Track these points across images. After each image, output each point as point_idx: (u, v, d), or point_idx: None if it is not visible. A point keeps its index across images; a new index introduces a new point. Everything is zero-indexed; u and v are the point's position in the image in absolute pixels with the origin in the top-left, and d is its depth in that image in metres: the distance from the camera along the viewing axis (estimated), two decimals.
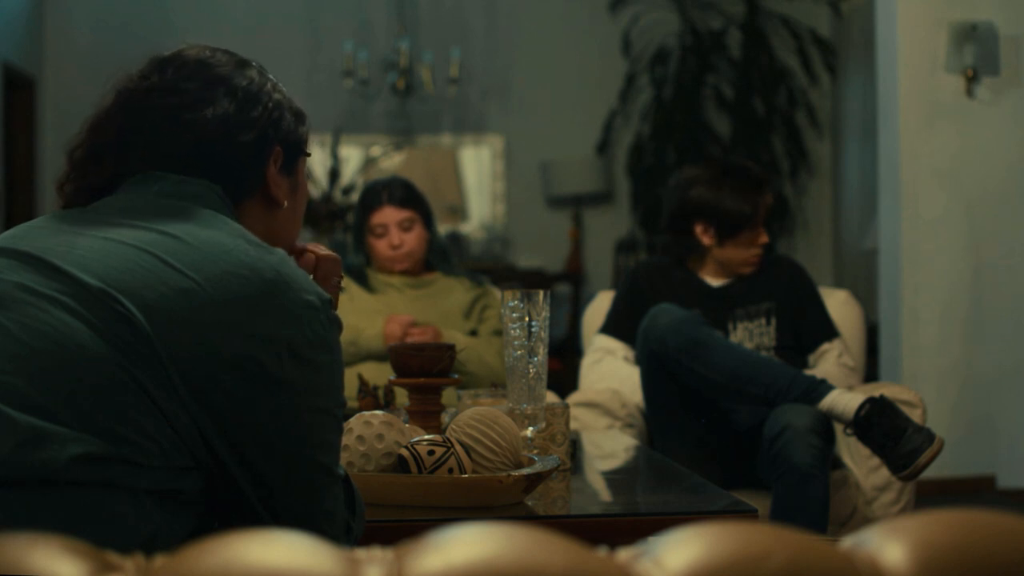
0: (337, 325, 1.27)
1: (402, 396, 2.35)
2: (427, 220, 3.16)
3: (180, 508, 1.19)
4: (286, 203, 1.43)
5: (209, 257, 1.20)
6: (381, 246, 3.11)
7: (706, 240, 2.96)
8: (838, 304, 3.15)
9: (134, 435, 1.14)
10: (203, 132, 1.34)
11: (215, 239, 1.23)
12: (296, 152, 1.44)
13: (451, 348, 1.97)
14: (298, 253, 1.53)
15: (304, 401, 1.22)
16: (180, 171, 1.34)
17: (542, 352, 1.86)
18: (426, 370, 1.94)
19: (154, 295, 1.17)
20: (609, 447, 2.44)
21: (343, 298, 3.11)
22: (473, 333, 3.12)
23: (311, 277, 1.50)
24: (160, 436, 1.15)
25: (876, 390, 2.66)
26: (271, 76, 1.45)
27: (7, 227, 7.11)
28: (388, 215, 3.09)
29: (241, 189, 1.38)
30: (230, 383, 1.17)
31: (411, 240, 3.11)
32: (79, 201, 1.36)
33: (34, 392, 1.13)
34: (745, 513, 1.60)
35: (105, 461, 1.13)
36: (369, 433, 1.63)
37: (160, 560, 0.58)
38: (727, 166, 3.01)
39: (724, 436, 2.74)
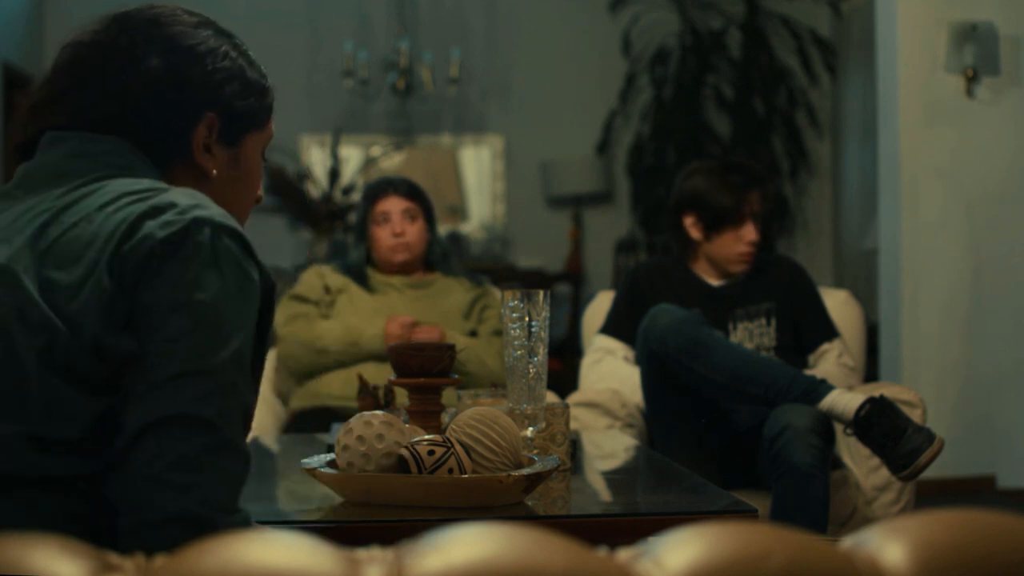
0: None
1: (402, 396, 2.35)
2: (429, 218, 3.19)
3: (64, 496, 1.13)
4: (215, 172, 1.36)
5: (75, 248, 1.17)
6: (383, 234, 3.13)
7: (695, 234, 2.98)
8: (838, 304, 3.15)
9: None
10: (126, 89, 1.31)
11: (85, 211, 1.19)
12: (241, 124, 1.38)
13: (451, 348, 1.97)
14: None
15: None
16: (96, 129, 1.30)
17: (542, 352, 1.86)
18: (426, 370, 1.94)
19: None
20: (609, 447, 2.44)
21: (343, 298, 3.12)
22: (473, 333, 3.12)
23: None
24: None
25: (876, 390, 2.66)
26: (238, 46, 1.41)
27: None
28: (393, 203, 3.13)
29: (163, 150, 1.33)
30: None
31: (413, 232, 3.14)
32: (20, 160, 1.33)
33: None
34: (745, 513, 1.60)
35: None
36: (369, 433, 1.63)
37: (160, 560, 0.58)
38: (728, 162, 3.03)
39: (724, 436, 2.74)
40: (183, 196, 1.20)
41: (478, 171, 7.08)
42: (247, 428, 1.17)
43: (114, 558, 0.58)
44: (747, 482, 2.67)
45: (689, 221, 2.98)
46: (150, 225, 1.16)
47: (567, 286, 6.75)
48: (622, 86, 6.87)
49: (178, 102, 1.33)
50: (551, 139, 6.92)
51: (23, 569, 0.55)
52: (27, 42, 6.50)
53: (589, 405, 2.85)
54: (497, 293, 3.20)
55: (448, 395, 2.50)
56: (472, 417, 1.66)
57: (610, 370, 2.98)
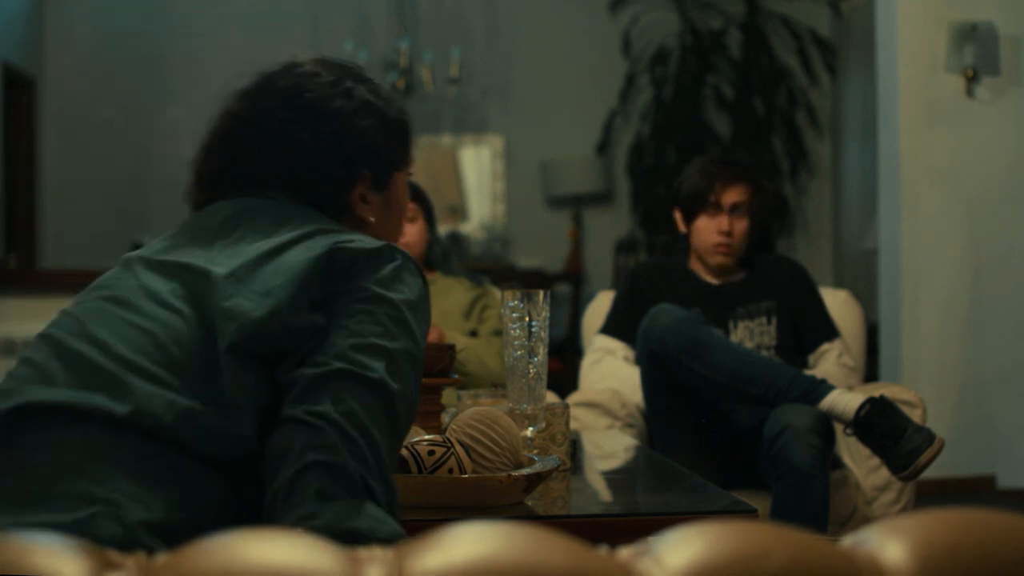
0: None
1: None
2: (429, 218, 3.18)
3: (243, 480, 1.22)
4: (374, 220, 1.45)
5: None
6: None
7: (682, 227, 3.01)
8: (838, 304, 3.15)
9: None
10: (287, 163, 1.39)
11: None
12: (389, 168, 1.46)
13: (451, 348, 1.97)
14: None
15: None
16: (266, 189, 1.39)
17: (542, 352, 1.86)
18: (426, 370, 1.94)
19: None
20: (609, 447, 2.44)
21: None
22: (473, 333, 3.12)
23: None
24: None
25: (876, 390, 2.66)
26: (376, 89, 1.46)
27: (8, 226, 7.02)
28: None
29: (324, 208, 1.40)
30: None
31: (413, 232, 3.14)
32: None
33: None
34: (745, 513, 1.60)
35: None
36: None
37: (161, 559, 0.58)
38: (721, 156, 3.06)
39: (724, 436, 2.74)
40: (363, 238, 1.30)
41: (478, 171, 7.08)
42: (408, 424, 1.25)
43: (115, 556, 0.58)
44: (747, 482, 2.67)
45: (678, 215, 3.01)
46: (347, 246, 1.26)
47: (567, 286, 6.75)
48: (622, 86, 6.87)
49: (334, 168, 1.41)
50: (551, 139, 6.92)
51: (23, 569, 0.55)
52: (27, 42, 6.50)
53: (589, 405, 2.85)
54: (497, 293, 3.20)
55: (448, 395, 2.50)
56: (472, 417, 1.66)
57: (610, 370, 2.98)
